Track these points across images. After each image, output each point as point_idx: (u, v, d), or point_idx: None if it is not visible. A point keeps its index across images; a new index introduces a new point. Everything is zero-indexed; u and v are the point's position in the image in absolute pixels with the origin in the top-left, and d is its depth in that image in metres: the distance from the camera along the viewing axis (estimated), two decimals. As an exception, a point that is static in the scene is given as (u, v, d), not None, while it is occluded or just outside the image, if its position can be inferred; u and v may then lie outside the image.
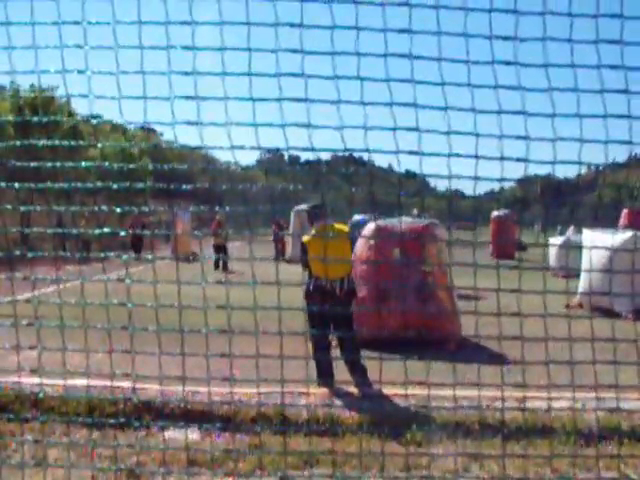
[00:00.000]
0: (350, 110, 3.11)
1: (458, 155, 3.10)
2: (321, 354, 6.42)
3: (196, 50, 3.04)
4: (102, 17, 3.07)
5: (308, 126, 3.05)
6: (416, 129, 3.10)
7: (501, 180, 3.20)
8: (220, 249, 20.98)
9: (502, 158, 3.09)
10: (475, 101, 3.02)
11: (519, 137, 3.09)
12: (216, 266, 19.59)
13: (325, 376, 6.46)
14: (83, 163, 3.85)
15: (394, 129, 3.08)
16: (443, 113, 3.05)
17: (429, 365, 3.90)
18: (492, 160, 3.09)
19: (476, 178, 3.20)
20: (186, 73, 3.06)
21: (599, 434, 5.18)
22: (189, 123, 3.10)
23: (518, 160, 3.11)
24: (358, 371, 6.50)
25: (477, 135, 3.07)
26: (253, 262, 3.37)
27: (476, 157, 3.12)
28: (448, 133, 3.06)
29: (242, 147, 3.24)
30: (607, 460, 4.53)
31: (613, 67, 3.01)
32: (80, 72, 3.09)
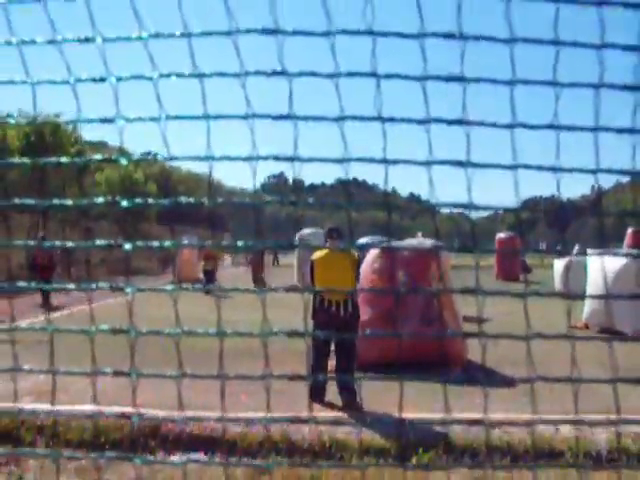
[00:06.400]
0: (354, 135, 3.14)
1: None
2: (318, 374, 6.67)
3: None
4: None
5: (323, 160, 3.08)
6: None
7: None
8: (209, 274, 21.08)
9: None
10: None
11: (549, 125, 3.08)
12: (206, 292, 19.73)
13: (316, 395, 6.68)
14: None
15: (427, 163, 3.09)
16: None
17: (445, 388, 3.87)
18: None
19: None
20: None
21: (608, 456, 5.13)
22: (200, 158, 3.13)
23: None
24: (348, 392, 6.69)
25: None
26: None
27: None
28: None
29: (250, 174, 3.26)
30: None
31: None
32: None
